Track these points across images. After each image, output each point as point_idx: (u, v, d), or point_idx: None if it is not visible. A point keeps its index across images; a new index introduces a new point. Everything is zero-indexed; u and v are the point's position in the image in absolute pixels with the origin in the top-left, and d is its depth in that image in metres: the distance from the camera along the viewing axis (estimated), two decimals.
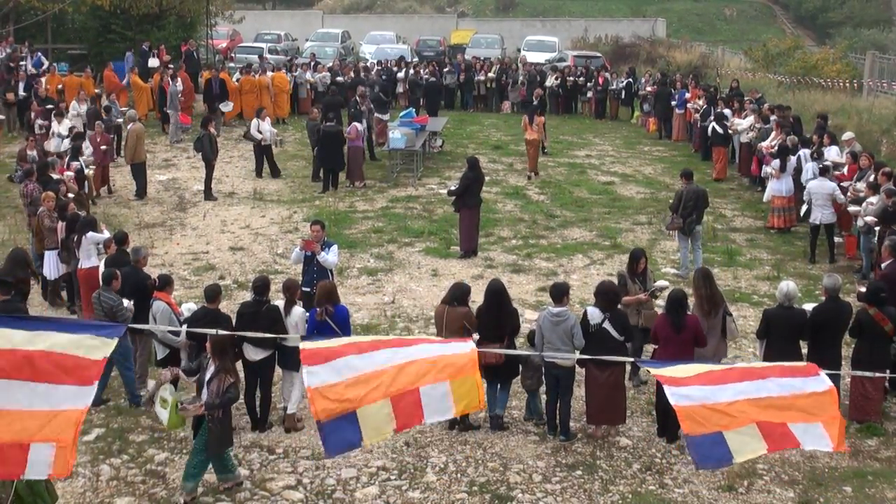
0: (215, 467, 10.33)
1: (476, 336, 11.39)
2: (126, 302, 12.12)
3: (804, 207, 18.81)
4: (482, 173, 19.11)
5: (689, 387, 8.18)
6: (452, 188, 18.61)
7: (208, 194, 22.44)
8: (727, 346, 12.39)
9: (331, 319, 11.41)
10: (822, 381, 8.27)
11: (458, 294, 11.85)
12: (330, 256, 13.79)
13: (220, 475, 10.37)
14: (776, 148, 21.07)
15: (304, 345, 8.29)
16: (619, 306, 11.75)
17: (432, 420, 8.43)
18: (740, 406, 7.99)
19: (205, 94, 30.93)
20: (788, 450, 11.30)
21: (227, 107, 29.96)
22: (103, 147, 21.90)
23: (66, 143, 21.18)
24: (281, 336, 11.26)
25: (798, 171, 20.02)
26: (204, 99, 31.11)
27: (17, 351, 7.57)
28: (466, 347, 8.29)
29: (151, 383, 11.14)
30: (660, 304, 13.41)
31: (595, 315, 11.42)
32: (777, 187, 20.19)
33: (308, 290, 13.27)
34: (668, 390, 8.07)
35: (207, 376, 10.06)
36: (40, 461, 7.42)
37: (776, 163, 20.25)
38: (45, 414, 7.48)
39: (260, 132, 24.28)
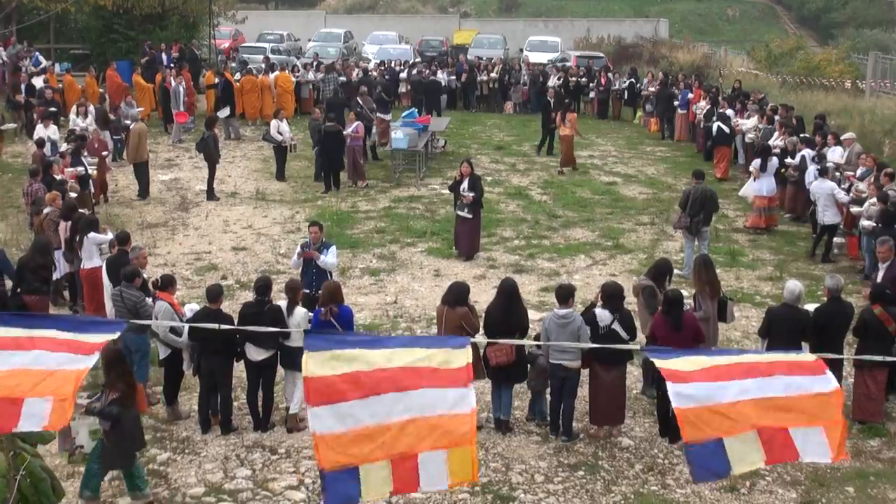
0: (126, 482, 10.16)
1: (480, 338, 11.34)
2: (149, 300, 12.14)
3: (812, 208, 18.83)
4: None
5: (691, 384, 8.14)
6: (472, 195, 17.91)
7: (211, 194, 22.44)
8: (719, 331, 12.65)
9: (335, 319, 11.41)
10: (828, 381, 8.23)
11: (457, 294, 11.80)
12: (329, 258, 13.80)
13: (129, 492, 10.14)
14: (778, 148, 21.08)
15: (307, 367, 8.23)
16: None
17: (427, 489, 8.54)
18: (742, 408, 7.96)
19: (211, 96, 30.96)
20: None
21: (223, 112, 30.00)
22: (104, 153, 21.79)
23: (63, 146, 21.05)
24: (283, 330, 11.28)
25: (802, 171, 20.01)
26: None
27: (20, 338, 7.72)
28: (466, 406, 8.22)
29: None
30: None
31: (605, 317, 11.42)
32: (757, 187, 20.21)
33: (308, 291, 13.26)
34: (671, 388, 8.03)
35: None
36: (34, 414, 7.39)
37: (756, 162, 20.27)
38: (42, 372, 7.53)
39: (280, 133, 24.23)
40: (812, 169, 19.38)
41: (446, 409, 8.15)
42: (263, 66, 33.82)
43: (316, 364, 8.22)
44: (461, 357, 8.33)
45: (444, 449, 8.04)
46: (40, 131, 22.11)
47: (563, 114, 26.32)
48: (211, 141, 22.35)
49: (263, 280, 11.98)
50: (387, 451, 8.00)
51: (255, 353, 11.54)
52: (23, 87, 29.07)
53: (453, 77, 36.38)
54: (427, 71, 36.26)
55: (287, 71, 33.99)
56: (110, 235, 14.38)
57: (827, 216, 18.11)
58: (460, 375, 8.29)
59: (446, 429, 8.06)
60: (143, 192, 22.47)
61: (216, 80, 31.04)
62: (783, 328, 11.70)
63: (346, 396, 8.13)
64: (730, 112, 26.27)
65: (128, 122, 24.75)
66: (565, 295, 11.52)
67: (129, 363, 10.18)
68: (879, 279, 13.47)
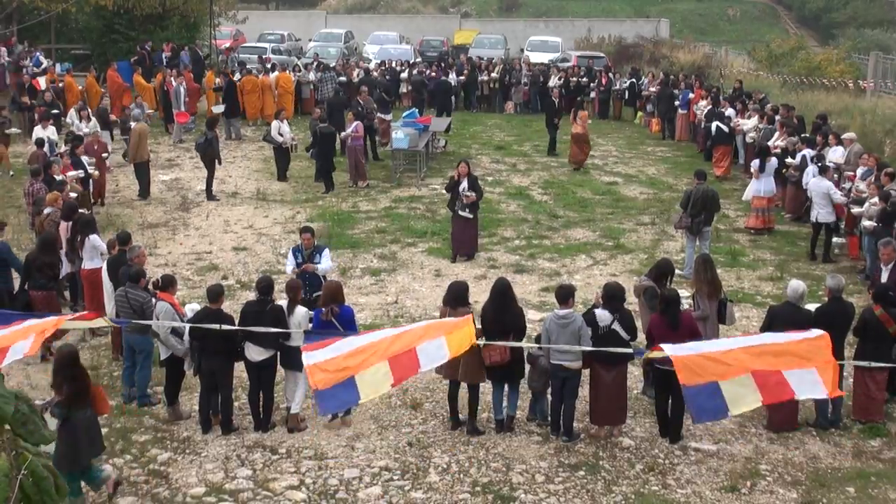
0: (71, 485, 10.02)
1: (482, 342, 11.33)
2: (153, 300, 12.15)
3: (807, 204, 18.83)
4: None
5: (685, 343, 8.30)
6: (473, 195, 17.91)
7: (210, 195, 22.46)
8: (719, 331, 12.59)
9: (336, 319, 11.41)
10: (814, 331, 8.34)
11: (458, 294, 11.71)
12: (323, 264, 13.70)
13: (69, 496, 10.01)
14: (779, 148, 21.08)
15: (306, 347, 8.38)
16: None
17: (427, 367, 8.59)
18: (735, 354, 8.08)
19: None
20: (790, 449, 11.34)
21: (217, 109, 30.09)
22: (103, 155, 21.75)
23: (62, 147, 21.04)
24: (284, 331, 11.29)
25: (803, 171, 20.00)
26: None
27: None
28: (466, 318, 8.39)
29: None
30: None
31: (605, 317, 11.42)
32: (756, 187, 20.21)
33: (304, 296, 13.21)
34: (666, 347, 8.15)
35: None
36: (18, 350, 7.82)
37: (756, 163, 20.27)
38: (28, 327, 7.93)
39: (281, 134, 24.23)
40: (811, 168, 19.39)
41: (443, 321, 8.33)
42: (258, 65, 33.81)
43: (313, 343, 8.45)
44: (462, 321, 8.53)
45: (441, 336, 8.17)
46: (38, 132, 22.10)
47: (574, 112, 26.83)
48: (215, 142, 22.40)
49: (266, 280, 11.98)
50: (382, 354, 8.12)
51: (256, 353, 11.53)
52: (25, 87, 29.08)
53: (462, 77, 36.41)
54: (428, 70, 36.30)
55: (288, 71, 34.01)
56: (104, 245, 14.31)
57: (822, 214, 18.12)
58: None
59: (443, 324, 8.21)
60: (144, 192, 22.48)
61: (217, 81, 31.08)
62: (784, 327, 11.69)
63: (342, 339, 8.30)
64: (730, 111, 26.26)
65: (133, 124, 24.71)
66: (565, 295, 11.51)
67: (82, 366, 10.03)
68: (884, 280, 13.46)
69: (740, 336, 8.43)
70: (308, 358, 8.15)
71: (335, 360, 8.09)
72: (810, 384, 8.07)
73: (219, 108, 30.03)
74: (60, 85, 29.70)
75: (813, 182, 18.43)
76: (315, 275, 13.57)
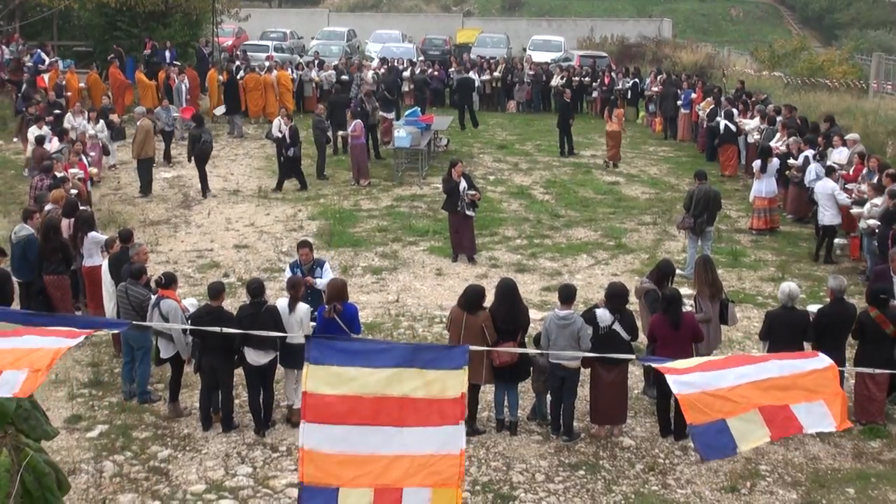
0: None
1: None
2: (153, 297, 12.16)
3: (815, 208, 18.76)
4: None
5: (690, 374, 8.23)
6: (476, 192, 17.93)
7: (206, 191, 22.56)
8: (721, 332, 12.66)
9: (339, 317, 11.41)
10: (821, 360, 8.30)
11: (475, 298, 11.63)
12: (324, 278, 13.02)
13: None
14: (781, 148, 21.07)
15: (307, 383, 8.24)
16: None
17: None
18: (742, 391, 8.03)
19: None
20: (790, 450, 11.34)
21: (219, 111, 30.10)
22: (91, 154, 21.66)
23: (56, 145, 20.97)
24: (286, 334, 11.26)
25: (805, 171, 19.99)
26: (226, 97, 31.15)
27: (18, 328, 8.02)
28: (456, 447, 8.26)
29: None
30: None
31: (605, 317, 11.42)
32: (758, 188, 20.20)
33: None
34: (670, 379, 8.11)
35: None
36: (7, 382, 7.62)
37: (757, 163, 20.26)
38: (26, 350, 7.74)
39: (281, 132, 24.20)
40: (814, 168, 19.37)
41: (437, 449, 8.22)
42: (239, 63, 33.83)
43: (315, 381, 8.24)
44: (457, 382, 8.37)
45: (429, 487, 8.12)
46: (35, 131, 22.00)
47: (609, 109, 27.69)
48: (209, 137, 22.57)
49: (257, 282, 11.86)
50: (372, 480, 8.07)
51: (257, 357, 11.47)
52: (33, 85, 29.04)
53: (486, 77, 36.48)
54: (430, 69, 36.32)
55: (291, 69, 34.02)
56: (105, 236, 14.32)
57: (827, 216, 18.10)
58: (455, 410, 8.36)
59: (434, 469, 8.14)
60: (146, 189, 22.49)
61: (219, 78, 31.10)
62: (783, 330, 11.72)
63: (343, 420, 8.19)
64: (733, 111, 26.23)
65: (168, 128, 24.80)
66: (569, 295, 11.51)
67: None
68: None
69: (745, 364, 8.35)
70: (305, 436, 8.10)
71: (328, 459, 8.06)
72: (819, 417, 8.04)
73: (220, 110, 30.06)
74: (63, 83, 29.66)
75: (818, 184, 18.38)
76: (316, 290, 13.04)
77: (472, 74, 35.34)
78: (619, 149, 26.87)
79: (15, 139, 26.47)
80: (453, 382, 8.31)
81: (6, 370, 7.64)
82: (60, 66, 32.30)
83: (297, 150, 23.06)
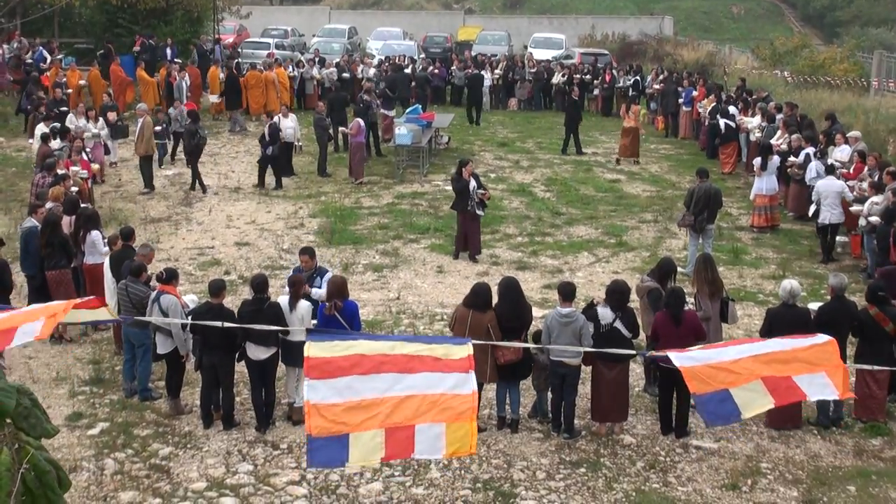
0: None
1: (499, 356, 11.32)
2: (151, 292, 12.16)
3: (813, 207, 18.68)
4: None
5: (691, 352, 8.26)
6: (486, 191, 18.01)
7: (202, 186, 22.73)
8: (722, 331, 12.66)
9: (339, 314, 11.41)
10: (821, 337, 8.32)
11: (482, 297, 11.60)
12: (322, 289, 12.36)
13: None
14: (783, 145, 21.05)
15: (309, 351, 8.29)
16: None
17: (421, 457, 8.50)
18: (744, 363, 8.05)
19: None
20: (791, 447, 11.34)
21: (213, 98, 30.11)
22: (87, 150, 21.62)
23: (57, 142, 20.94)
24: (286, 329, 11.27)
25: (805, 169, 19.97)
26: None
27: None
28: (468, 388, 8.26)
29: None
30: None
31: (606, 315, 11.42)
32: (758, 185, 20.18)
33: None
34: (673, 356, 8.14)
35: None
36: (27, 332, 7.85)
37: (758, 160, 20.23)
38: (33, 310, 7.96)
39: (281, 129, 24.20)
40: (814, 166, 19.34)
41: (447, 389, 8.21)
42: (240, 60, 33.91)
43: (318, 349, 8.29)
44: (462, 350, 8.40)
45: (442, 423, 8.08)
46: (41, 128, 22.00)
47: (627, 105, 28.17)
48: (204, 136, 22.68)
49: (261, 277, 11.91)
50: (381, 421, 8.03)
51: (258, 352, 11.50)
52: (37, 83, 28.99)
53: (499, 74, 36.51)
54: (431, 67, 36.32)
55: (292, 66, 34.00)
56: (106, 249, 14.32)
57: (834, 215, 18.03)
58: (462, 364, 8.39)
59: (446, 405, 8.12)
60: (150, 185, 22.54)
61: (221, 76, 31.11)
62: (784, 328, 11.69)
63: (347, 372, 8.19)
64: (732, 110, 26.20)
65: (179, 128, 24.52)
66: (570, 292, 11.51)
67: None
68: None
69: (746, 343, 8.37)
70: (310, 391, 8.07)
71: (335, 408, 8.02)
72: (821, 386, 8.08)
73: (214, 98, 30.12)
74: (63, 79, 29.64)
75: (823, 183, 18.23)
76: (311, 299, 12.32)
77: (482, 72, 35.42)
78: (637, 144, 27.25)
79: (30, 140, 26.43)
80: (458, 350, 8.35)
81: (23, 324, 7.86)
82: (62, 63, 32.28)
83: (274, 148, 22.94)
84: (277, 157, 23.10)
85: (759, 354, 8.16)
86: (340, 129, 25.90)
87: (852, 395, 8.53)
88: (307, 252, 13.02)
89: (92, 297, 9.95)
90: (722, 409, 7.89)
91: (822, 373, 8.13)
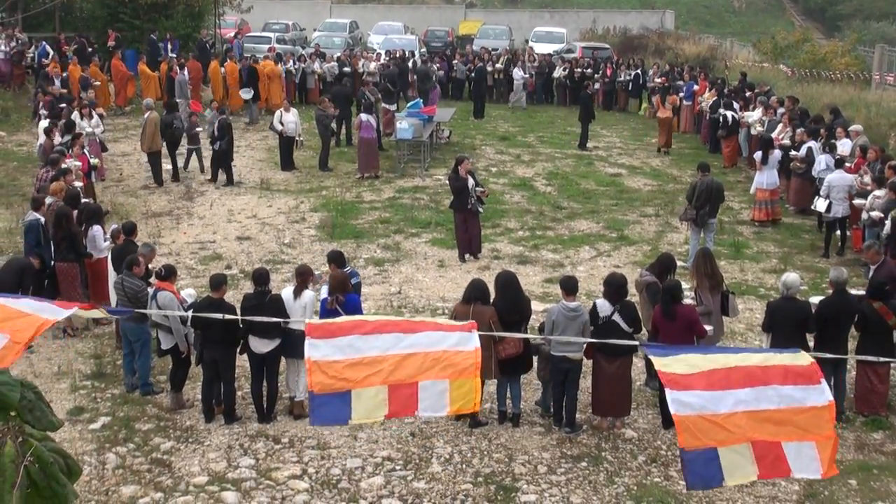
0: None
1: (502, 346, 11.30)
2: (149, 289, 12.17)
3: (818, 200, 18.63)
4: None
5: (689, 391, 8.20)
6: (481, 189, 17.73)
7: (177, 176, 23.07)
8: (724, 324, 12.66)
9: (342, 308, 11.42)
10: (822, 392, 8.27)
11: (480, 293, 11.57)
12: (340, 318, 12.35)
13: None
14: (784, 140, 21.02)
15: (311, 322, 8.42)
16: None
17: (425, 414, 8.52)
18: (738, 420, 8.02)
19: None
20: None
21: (247, 94, 30.07)
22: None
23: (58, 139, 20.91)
24: (287, 320, 11.28)
25: (810, 163, 19.95)
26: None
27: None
28: (471, 345, 8.30)
29: None
30: None
31: (604, 307, 11.41)
32: (759, 180, 20.17)
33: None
34: (670, 395, 8.09)
35: None
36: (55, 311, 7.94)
37: (758, 154, 20.21)
38: (15, 312, 7.98)
39: (281, 124, 24.18)
40: (823, 158, 19.30)
41: (450, 346, 8.26)
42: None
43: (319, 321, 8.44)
44: (465, 321, 8.51)
45: (446, 379, 8.11)
46: (45, 123, 22.00)
47: (662, 96, 29.17)
48: (181, 126, 22.95)
49: (261, 270, 11.95)
50: (384, 378, 8.08)
51: (261, 346, 11.51)
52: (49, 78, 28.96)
53: (500, 66, 36.59)
54: (431, 63, 36.34)
55: (293, 61, 34.01)
56: (108, 244, 14.34)
57: (842, 209, 17.98)
58: (465, 327, 8.47)
59: (450, 362, 8.15)
60: (159, 180, 22.57)
61: (239, 68, 31.10)
62: (784, 320, 11.71)
63: (348, 332, 8.27)
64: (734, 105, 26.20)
65: (199, 129, 24.21)
66: (573, 286, 11.51)
67: None
68: (869, 279, 13.42)
69: (745, 388, 8.28)
70: (311, 349, 8.11)
71: (337, 365, 8.05)
72: (807, 460, 8.07)
73: (247, 93, 30.06)
74: (64, 75, 29.63)
75: (834, 176, 18.10)
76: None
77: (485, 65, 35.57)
78: (670, 135, 28.08)
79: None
80: (465, 341, 8.41)
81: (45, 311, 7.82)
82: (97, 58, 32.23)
83: (223, 143, 22.76)
84: (226, 152, 22.91)
85: (755, 411, 8.12)
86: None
87: (836, 473, 8.52)
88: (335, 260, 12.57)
89: (85, 302, 9.98)
90: (706, 472, 7.89)
91: (812, 443, 8.12)
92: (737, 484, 8.78)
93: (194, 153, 23.89)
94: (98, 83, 29.56)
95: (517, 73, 35.69)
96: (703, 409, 7.98)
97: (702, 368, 8.41)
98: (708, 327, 11.79)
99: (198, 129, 23.87)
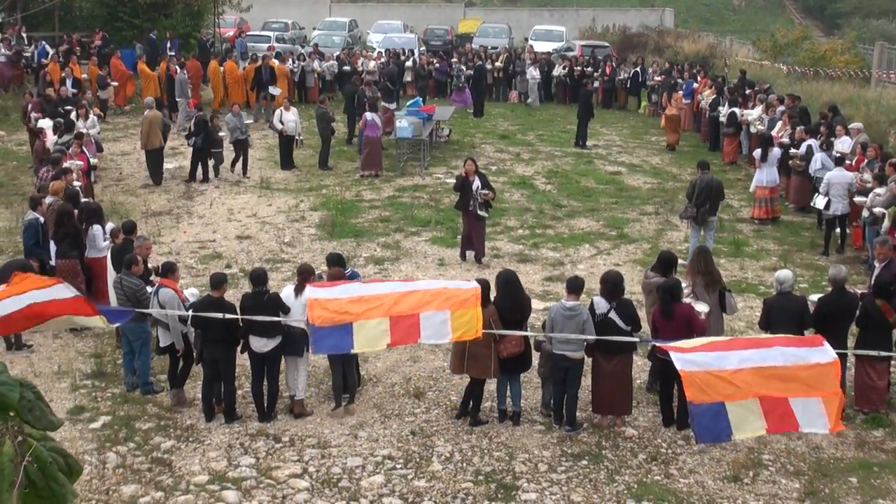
0: None
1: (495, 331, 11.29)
2: (148, 288, 12.17)
3: (817, 197, 18.62)
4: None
5: (694, 353, 8.25)
6: (491, 193, 17.35)
7: (194, 177, 23.00)
8: (724, 323, 12.63)
9: None
10: (825, 352, 8.31)
11: (484, 291, 11.55)
12: None
13: None
14: (784, 138, 21.00)
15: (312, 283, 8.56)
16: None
17: (428, 341, 8.59)
18: (744, 376, 8.05)
19: (254, 81, 30.78)
20: (793, 440, 11.35)
21: (276, 90, 30.06)
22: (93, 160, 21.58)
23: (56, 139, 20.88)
24: (287, 319, 11.28)
25: (809, 161, 19.94)
26: (252, 86, 30.96)
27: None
28: (471, 285, 8.39)
29: None
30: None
31: (601, 305, 11.41)
32: (759, 177, 20.16)
33: None
34: (674, 356, 8.13)
35: None
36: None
37: (758, 152, 20.21)
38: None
39: (281, 122, 24.14)
40: (819, 157, 19.29)
41: (450, 285, 8.34)
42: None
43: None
44: (468, 284, 8.62)
45: (447, 310, 8.20)
46: (46, 122, 22.01)
47: (668, 94, 29.23)
48: (167, 126, 22.95)
49: (259, 270, 11.95)
50: (385, 310, 8.17)
51: (261, 345, 11.50)
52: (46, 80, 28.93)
53: (500, 65, 36.60)
54: (431, 61, 36.36)
55: (292, 59, 34.02)
56: (107, 243, 14.34)
57: (841, 206, 17.97)
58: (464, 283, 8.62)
59: (450, 295, 8.29)
60: (157, 179, 22.54)
61: (259, 66, 31.06)
62: (782, 316, 11.71)
63: (349, 283, 8.38)
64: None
65: (225, 134, 23.84)
66: (577, 286, 11.48)
67: None
68: (874, 277, 13.42)
69: (750, 347, 8.32)
70: (312, 292, 8.22)
71: (338, 301, 8.17)
72: (814, 416, 8.08)
73: (275, 90, 30.05)
74: (84, 75, 29.67)
75: (834, 174, 18.10)
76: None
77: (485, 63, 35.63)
78: (679, 133, 28.18)
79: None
80: (465, 284, 8.52)
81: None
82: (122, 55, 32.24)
83: (198, 140, 22.68)
84: (202, 149, 22.85)
85: (761, 367, 8.12)
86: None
87: (843, 428, 8.54)
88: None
89: (90, 304, 10.00)
90: (714, 426, 7.90)
91: (818, 398, 8.13)
92: (745, 437, 8.76)
93: (214, 156, 23.66)
94: (116, 83, 29.57)
95: (531, 73, 35.64)
96: (709, 366, 8.03)
97: (703, 342, 8.52)
98: (703, 308, 11.79)
99: (220, 133, 23.66)
